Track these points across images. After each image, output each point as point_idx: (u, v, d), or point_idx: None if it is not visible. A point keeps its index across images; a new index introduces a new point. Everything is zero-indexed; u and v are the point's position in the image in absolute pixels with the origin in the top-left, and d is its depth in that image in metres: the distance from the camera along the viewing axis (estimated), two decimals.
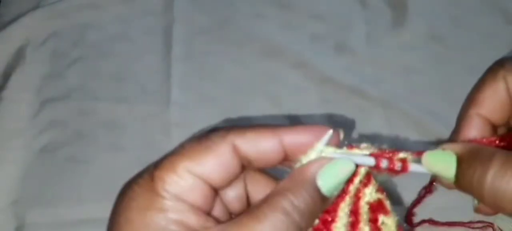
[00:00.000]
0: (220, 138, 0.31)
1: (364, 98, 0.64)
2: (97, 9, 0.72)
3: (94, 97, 0.65)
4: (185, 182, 0.31)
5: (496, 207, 0.32)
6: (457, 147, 0.34)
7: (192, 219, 0.30)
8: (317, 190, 0.31)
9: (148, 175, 0.31)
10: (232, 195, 0.34)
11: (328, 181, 0.31)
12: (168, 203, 0.30)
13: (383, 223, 0.33)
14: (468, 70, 0.65)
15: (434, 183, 0.44)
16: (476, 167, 0.32)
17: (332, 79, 0.66)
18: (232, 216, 0.34)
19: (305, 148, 0.32)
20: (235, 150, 0.31)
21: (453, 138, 0.38)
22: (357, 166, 0.32)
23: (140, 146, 0.61)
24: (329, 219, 0.31)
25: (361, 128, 0.62)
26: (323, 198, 0.31)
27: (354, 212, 0.32)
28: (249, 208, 0.31)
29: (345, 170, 0.32)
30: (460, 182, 0.33)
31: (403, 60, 0.67)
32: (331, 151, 0.32)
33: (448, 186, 0.34)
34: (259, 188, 0.34)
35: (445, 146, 0.34)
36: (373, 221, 0.32)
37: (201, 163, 0.31)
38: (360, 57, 0.68)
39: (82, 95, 0.65)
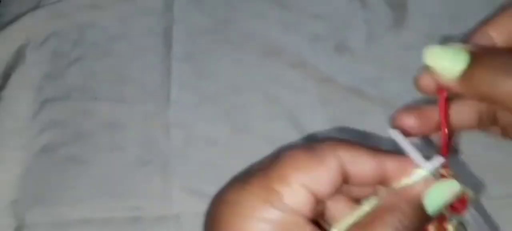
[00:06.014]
0: (330, 152, 0.32)
1: (364, 98, 0.64)
2: (97, 9, 0.72)
3: (94, 97, 0.65)
4: (299, 195, 0.31)
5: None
6: (471, 46, 0.33)
7: (307, 229, 0.31)
8: (423, 210, 0.32)
9: (258, 184, 0.31)
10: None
11: (434, 202, 0.32)
12: (285, 216, 0.30)
13: None
14: None
15: None
16: (502, 67, 0.30)
17: (332, 79, 0.66)
18: None
19: (403, 175, 0.33)
20: (342, 165, 0.32)
21: None
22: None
23: (140, 146, 0.61)
24: None
25: (361, 128, 0.62)
26: (427, 218, 0.32)
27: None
28: (359, 222, 0.32)
29: (451, 191, 0.33)
30: (471, 79, 0.31)
31: (403, 60, 0.67)
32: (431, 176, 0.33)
33: (443, 84, 0.33)
34: (338, 205, 0.35)
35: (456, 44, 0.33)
36: None
37: (313, 176, 0.31)
38: (360, 57, 0.68)
39: (82, 95, 0.65)
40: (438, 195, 0.32)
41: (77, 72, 0.67)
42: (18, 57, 0.69)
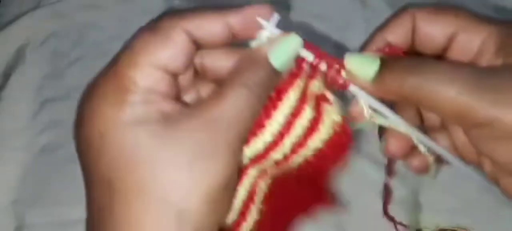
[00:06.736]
0: (173, 27, 0.34)
1: None
2: (97, 9, 0.72)
3: None
4: (150, 75, 0.32)
5: (420, 104, 0.37)
6: (378, 53, 0.38)
7: (165, 106, 0.32)
8: (270, 66, 0.34)
9: (112, 73, 0.33)
10: (187, 78, 0.36)
11: (279, 56, 0.35)
12: (139, 96, 0.32)
13: (326, 110, 0.36)
14: None
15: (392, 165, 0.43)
16: (406, 68, 0.35)
17: None
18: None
19: (250, 29, 0.35)
20: (188, 35, 0.34)
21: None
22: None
23: None
24: (276, 97, 0.35)
25: None
26: (276, 73, 0.35)
27: (301, 98, 0.36)
28: (213, 90, 0.34)
29: (293, 45, 0.37)
30: (383, 81, 0.36)
31: None
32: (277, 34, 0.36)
33: (361, 86, 0.37)
34: (215, 59, 0.36)
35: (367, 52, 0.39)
36: (317, 106, 0.36)
37: (161, 55, 0.33)
38: None
39: None
40: (282, 49, 0.35)
41: (77, 72, 0.67)
42: (18, 57, 0.69)
